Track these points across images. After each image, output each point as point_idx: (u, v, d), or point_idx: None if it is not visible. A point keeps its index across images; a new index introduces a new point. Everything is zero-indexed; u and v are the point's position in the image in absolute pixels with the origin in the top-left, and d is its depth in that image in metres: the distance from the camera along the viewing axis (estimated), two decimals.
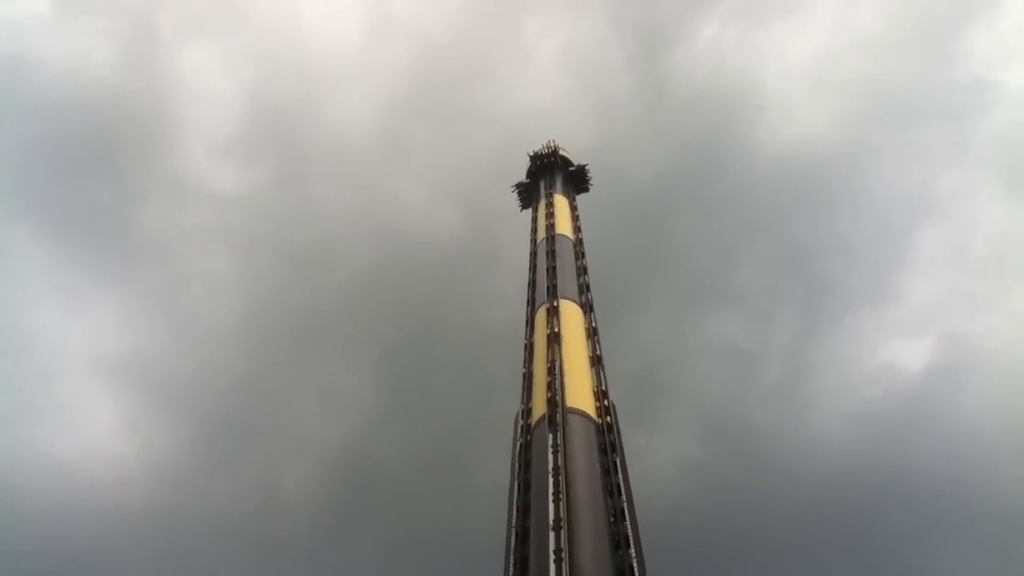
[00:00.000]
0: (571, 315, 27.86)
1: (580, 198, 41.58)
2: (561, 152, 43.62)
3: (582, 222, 37.47)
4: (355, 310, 74.88)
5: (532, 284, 31.96)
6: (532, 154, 43.76)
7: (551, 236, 34.27)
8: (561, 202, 38.39)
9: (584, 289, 30.64)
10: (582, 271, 32.08)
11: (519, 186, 43.86)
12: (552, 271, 30.96)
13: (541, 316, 28.11)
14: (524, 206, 43.18)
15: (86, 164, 76.21)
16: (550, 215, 36.75)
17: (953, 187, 77.94)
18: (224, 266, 76.97)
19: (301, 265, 78.59)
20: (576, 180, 42.98)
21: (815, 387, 70.95)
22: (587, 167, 43.74)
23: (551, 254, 32.47)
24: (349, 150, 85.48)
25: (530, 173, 43.51)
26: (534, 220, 38.46)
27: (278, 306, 74.08)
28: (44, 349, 68.39)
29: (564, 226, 35.60)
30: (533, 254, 34.55)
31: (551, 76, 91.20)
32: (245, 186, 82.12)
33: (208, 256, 77.69)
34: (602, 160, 50.45)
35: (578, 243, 34.66)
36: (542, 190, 40.38)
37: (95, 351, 70.15)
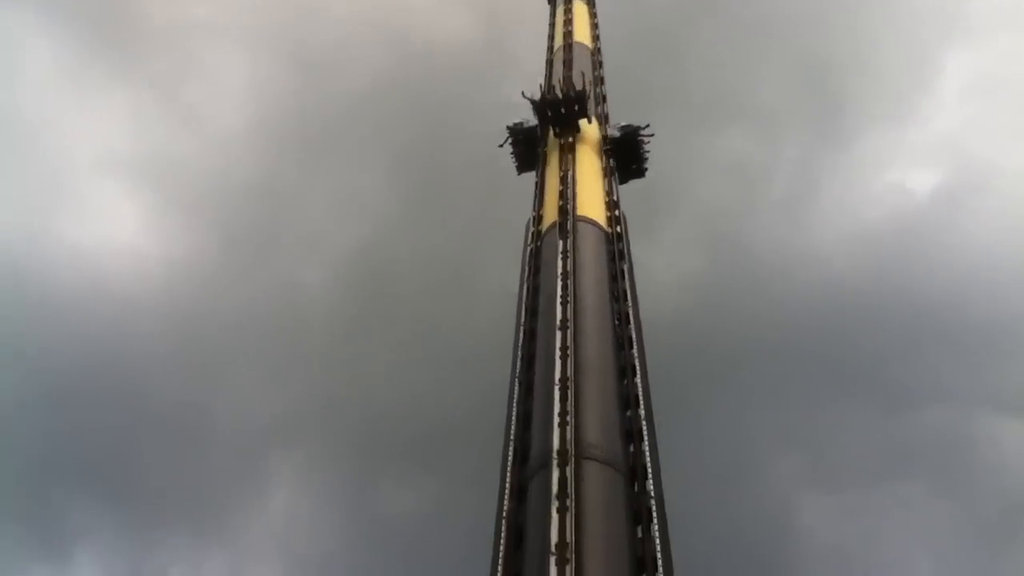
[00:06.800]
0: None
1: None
2: None
3: (600, 30, 36.25)
4: (367, 114, 73.86)
5: None
6: None
7: (568, 44, 33.11)
8: (580, 8, 36.79)
9: (601, 100, 30.00)
10: (599, 81, 31.30)
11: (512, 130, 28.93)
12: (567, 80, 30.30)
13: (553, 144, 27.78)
14: (521, 168, 29.25)
15: None
16: (568, 22, 35.37)
17: (988, 11, 74.06)
18: (233, 66, 75.39)
19: (310, 68, 76.89)
20: None
21: (821, 203, 71.32)
22: None
23: (568, 63, 31.59)
24: None
25: None
26: (551, 27, 36.96)
27: (289, 109, 73.28)
28: (55, 142, 68.07)
29: (583, 33, 34.41)
30: (549, 62, 33.46)
31: None
32: None
33: (216, 55, 75.91)
34: None
35: (596, 52, 33.68)
36: None
37: (108, 148, 70.05)
